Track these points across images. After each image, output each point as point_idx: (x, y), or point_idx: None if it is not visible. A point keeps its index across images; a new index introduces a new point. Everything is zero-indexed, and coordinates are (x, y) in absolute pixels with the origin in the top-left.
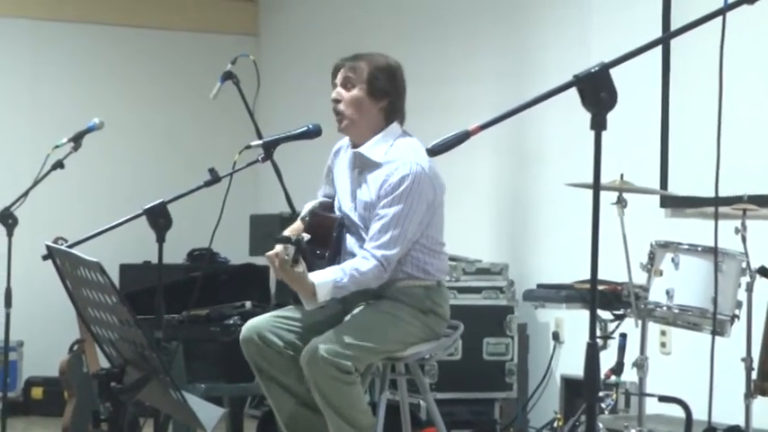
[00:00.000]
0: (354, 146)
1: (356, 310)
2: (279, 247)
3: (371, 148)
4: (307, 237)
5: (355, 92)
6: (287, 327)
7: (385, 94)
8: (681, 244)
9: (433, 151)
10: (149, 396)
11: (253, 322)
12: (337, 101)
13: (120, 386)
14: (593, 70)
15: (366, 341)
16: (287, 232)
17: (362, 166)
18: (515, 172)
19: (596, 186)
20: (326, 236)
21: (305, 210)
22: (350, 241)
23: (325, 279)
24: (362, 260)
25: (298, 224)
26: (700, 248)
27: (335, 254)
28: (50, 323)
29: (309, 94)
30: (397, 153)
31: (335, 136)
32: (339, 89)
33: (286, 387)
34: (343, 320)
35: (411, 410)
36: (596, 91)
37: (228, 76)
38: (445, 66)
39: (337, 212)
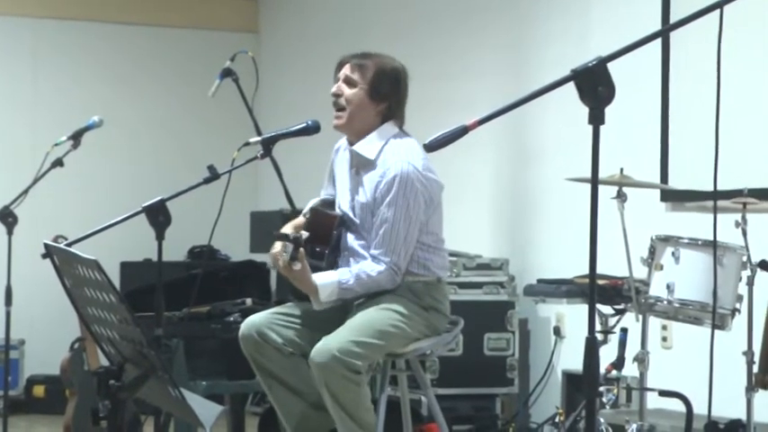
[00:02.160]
0: (351, 144)
1: (360, 309)
2: (279, 245)
3: (365, 146)
4: (305, 234)
5: (356, 91)
6: (286, 323)
7: (385, 98)
8: (681, 238)
9: (431, 147)
10: (149, 394)
11: (252, 319)
12: (337, 95)
13: (118, 384)
14: (590, 64)
15: (375, 339)
16: (287, 228)
17: (358, 165)
18: (515, 167)
19: (595, 181)
20: (326, 234)
21: (308, 206)
22: (350, 239)
23: (329, 280)
24: (372, 264)
25: (300, 220)
26: (700, 242)
27: (335, 252)
28: (51, 321)
29: (308, 90)
30: (390, 153)
31: (334, 133)
32: (341, 84)
33: (285, 384)
34: (348, 319)
35: (412, 406)
36: (594, 85)
37: (227, 73)
38: (445, 62)
39: (338, 210)
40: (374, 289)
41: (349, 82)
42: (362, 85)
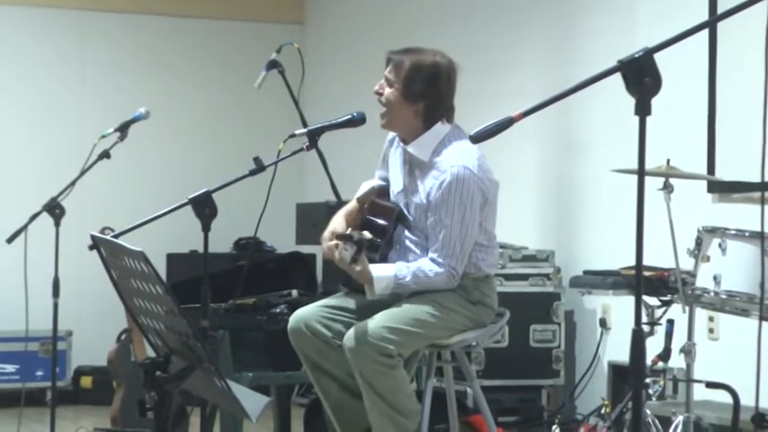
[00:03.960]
0: (403, 141)
1: (404, 299)
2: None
3: (418, 148)
4: (368, 236)
5: (392, 91)
6: (334, 317)
7: (420, 98)
8: (728, 229)
9: (476, 138)
10: (195, 385)
11: (300, 312)
12: (379, 93)
13: (165, 375)
14: (636, 55)
15: (410, 326)
16: (340, 219)
17: (412, 164)
18: (561, 158)
19: (641, 172)
20: (383, 226)
21: (363, 190)
22: (403, 233)
23: (386, 273)
24: (430, 263)
25: (353, 204)
26: (747, 233)
27: (389, 244)
28: (98, 313)
29: (354, 82)
30: (446, 156)
31: (379, 124)
32: (382, 82)
33: (334, 377)
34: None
35: (457, 398)
36: (640, 76)
37: (273, 64)
38: (492, 55)
39: (393, 200)
40: (429, 288)
41: (388, 81)
42: (397, 85)
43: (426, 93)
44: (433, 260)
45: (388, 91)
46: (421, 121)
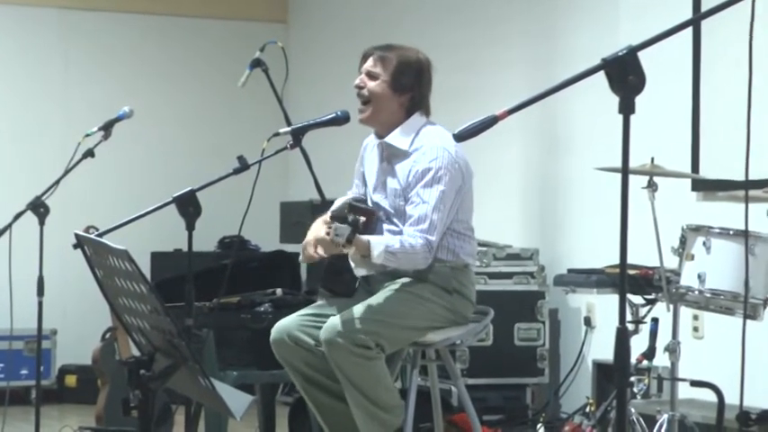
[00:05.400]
0: (379, 137)
1: (379, 291)
2: (323, 229)
3: (397, 138)
4: (362, 219)
5: (378, 83)
6: (316, 324)
7: (407, 90)
8: (712, 228)
9: (460, 136)
10: (180, 384)
11: (282, 323)
12: (360, 87)
13: (149, 374)
14: (620, 53)
15: (383, 316)
16: (322, 223)
17: (390, 156)
18: (545, 157)
19: (625, 170)
20: (368, 227)
21: (336, 205)
22: (383, 229)
23: (378, 241)
24: (411, 237)
25: (327, 216)
26: (731, 232)
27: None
28: (83, 311)
29: (338, 80)
30: (424, 140)
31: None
32: (363, 77)
33: (321, 385)
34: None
35: (442, 396)
36: (624, 74)
37: (257, 63)
38: (475, 52)
39: (370, 203)
40: (411, 264)
41: (371, 75)
42: (384, 78)
43: (413, 85)
44: (409, 234)
45: (373, 84)
46: (404, 113)
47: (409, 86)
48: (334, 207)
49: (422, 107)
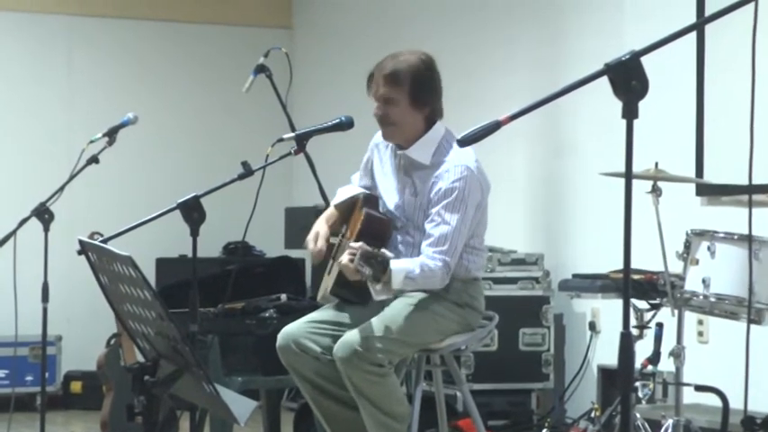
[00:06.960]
0: (400, 147)
1: (391, 304)
2: (347, 257)
3: (418, 151)
4: (391, 255)
5: (400, 109)
6: (322, 331)
7: (427, 102)
8: (717, 232)
9: (464, 142)
10: (184, 390)
11: (288, 329)
12: (383, 116)
13: (153, 380)
14: (623, 58)
15: (400, 335)
16: (323, 224)
17: (407, 167)
18: (549, 162)
19: (629, 175)
20: (384, 238)
21: (341, 197)
22: (396, 239)
23: (399, 267)
24: (429, 259)
25: (332, 211)
26: (736, 236)
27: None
28: (88, 317)
29: (342, 86)
30: (447, 156)
31: (368, 128)
32: (382, 105)
33: (327, 392)
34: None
35: (447, 402)
36: (627, 79)
37: (261, 69)
38: (480, 57)
39: (382, 209)
40: (429, 286)
41: (389, 101)
42: (404, 101)
43: (431, 94)
44: (429, 256)
45: (396, 110)
46: (425, 125)
47: (427, 99)
48: (340, 197)
49: (439, 113)
